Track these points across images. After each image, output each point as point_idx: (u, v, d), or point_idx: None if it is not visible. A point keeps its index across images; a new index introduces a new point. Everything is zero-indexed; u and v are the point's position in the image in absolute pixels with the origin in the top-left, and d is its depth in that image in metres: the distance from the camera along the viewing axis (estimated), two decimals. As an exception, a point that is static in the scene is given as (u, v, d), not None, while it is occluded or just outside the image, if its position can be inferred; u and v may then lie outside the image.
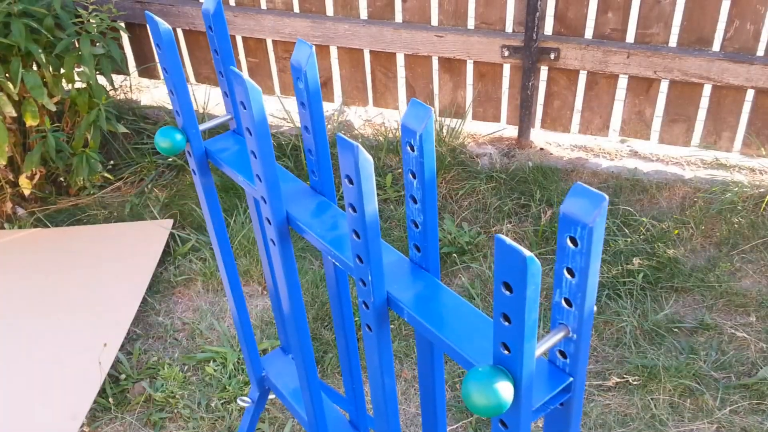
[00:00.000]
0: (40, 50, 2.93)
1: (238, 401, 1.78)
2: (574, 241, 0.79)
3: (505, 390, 0.79)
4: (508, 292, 0.75)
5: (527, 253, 0.71)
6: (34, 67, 3.08)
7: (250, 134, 1.11)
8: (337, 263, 1.13)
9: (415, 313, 1.00)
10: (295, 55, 1.15)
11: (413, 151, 0.97)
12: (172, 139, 1.34)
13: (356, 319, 2.49)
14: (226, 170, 1.36)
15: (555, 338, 0.86)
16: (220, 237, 1.48)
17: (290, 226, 1.23)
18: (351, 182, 0.92)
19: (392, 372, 1.12)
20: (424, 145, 0.95)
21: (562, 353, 0.90)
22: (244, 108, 1.08)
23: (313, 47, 1.17)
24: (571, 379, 0.90)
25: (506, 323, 0.78)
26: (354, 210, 0.95)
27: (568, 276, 0.82)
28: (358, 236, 0.97)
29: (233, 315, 1.64)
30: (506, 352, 0.80)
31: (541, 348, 0.84)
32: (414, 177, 0.99)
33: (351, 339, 1.40)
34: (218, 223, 1.48)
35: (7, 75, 2.91)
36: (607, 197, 0.76)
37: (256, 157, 1.13)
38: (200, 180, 1.43)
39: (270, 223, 1.21)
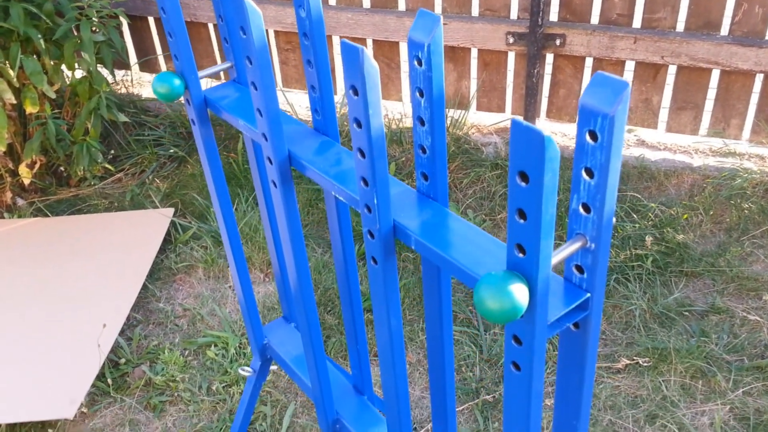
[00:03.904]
0: (39, 36, 2.89)
1: (240, 371, 1.73)
2: (593, 135, 0.74)
3: (519, 293, 0.74)
4: (524, 183, 0.70)
5: (546, 132, 0.66)
6: (34, 56, 3.04)
7: (251, 63, 1.07)
8: (339, 197, 1.08)
9: (422, 238, 0.95)
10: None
11: (420, 65, 0.92)
12: (170, 84, 1.30)
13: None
14: (225, 117, 1.32)
15: (572, 248, 0.81)
16: (219, 188, 1.44)
17: (292, 166, 1.18)
18: (356, 93, 0.88)
19: (399, 312, 1.08)
20: (432, 58, 0.91)
21: (579, 268, 0.85)
22: (244, 33, 1.04)
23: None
24: (588, 294, 0.85)
25: (522, 221, 0.73)
26: (359, 125, 0.91)
27: (587, 177, 0.77)
28: (363, 155, 0.93)
29: (233, 276, 1.59)
30: (521, 254, 0.75)
31: (557, 257, 0.80)
32: (421, 95, 0.95)
33: (354, 288, 1.35)
34: (218, 174, 1.43)
35: (7, 62, 2.87)
36: (629, 82, 0.71)
37: (256, 88, 1.09)
38: (200, 130, 1.38)
39: (271, 163, 1.17)
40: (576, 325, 0.89)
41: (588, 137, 0.75)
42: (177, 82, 1.30)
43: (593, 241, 0.81)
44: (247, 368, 1.72)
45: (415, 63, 0.93)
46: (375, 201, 0.95)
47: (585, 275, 0.84)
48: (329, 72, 1.16)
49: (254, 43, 1.04)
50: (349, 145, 3.20)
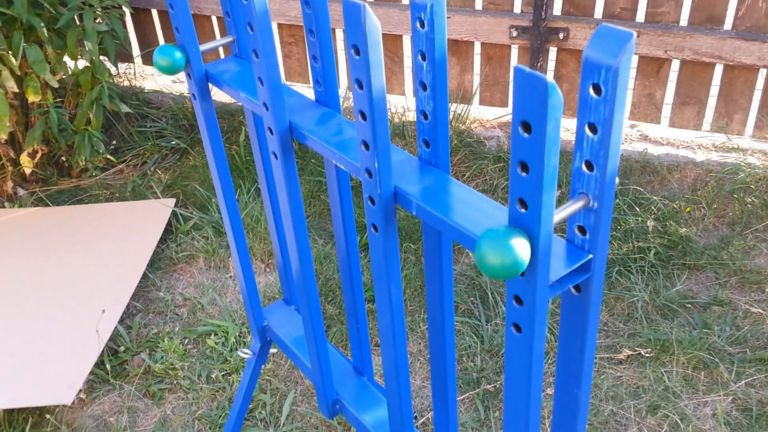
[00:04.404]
0: (42, 24, 2.89)
1: (239, 353, 1.72)
2: (596, 88, 0.73)
3: (521, 248, 0.73)
4: (526, 134, 0.70)
5: (549, 79, 0.65)
6: (37, 45, 3.04)
7: (251, 30, 1.06)
8: (340, 165, 1.07)
9: (423, 203, 0.94)
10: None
11: (423, 27, 0.91)
12: (171, 56, 1.29)
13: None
14: (226, 90, 1.31)
15: (574, 206, 0.80)
16: (219, 163, 1.43)
17: (293, 137, 1.17)
18: (357, 52, 0.87)
19: (399, 281, 1.07)
20: (435, 19, 0.90)
21: (581, 229, 0.84)
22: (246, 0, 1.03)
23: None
24: (591, 255, 0.84)
25: (524, 174, 0.72)
26: (360, 86, 0.90)
27: (590, 133, 0.77)
28: (364, 117, 0.92)
29: (233, 254, 1.58)
30: (523, 209, 0.74)
31: (559, 214, 0.79)
32: (423, 59, 0.94)
33: (354, 262, 1.34)
34: (218, 149, 1.42)
35: (9, 51, 2.87)
36: (634, 33, 0.70)
37: (258, 56, 1.08)
38: (201, 105, 1.38)
39: (272, 133, 1.16)
40: (578, 288, 0.88)
41: (591, 91, 0.74)
42: (178, 55, 1.29)
43: (596, 199, 0.80)
44: (246, 350, 1.71)
45: (418, 25, 0.92)
46: (376, 165, 0.94)
47: (587, 236, 0.83)
48: (331, 41, 1.15)
49: (256, 9, 1.03)
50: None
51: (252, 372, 1.72)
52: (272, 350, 1.77)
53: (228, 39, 1.37)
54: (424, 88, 0.96)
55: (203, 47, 1.33)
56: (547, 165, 0.70)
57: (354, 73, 0.90)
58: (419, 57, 0.94)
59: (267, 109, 1.14)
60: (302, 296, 1.33)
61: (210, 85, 1.38)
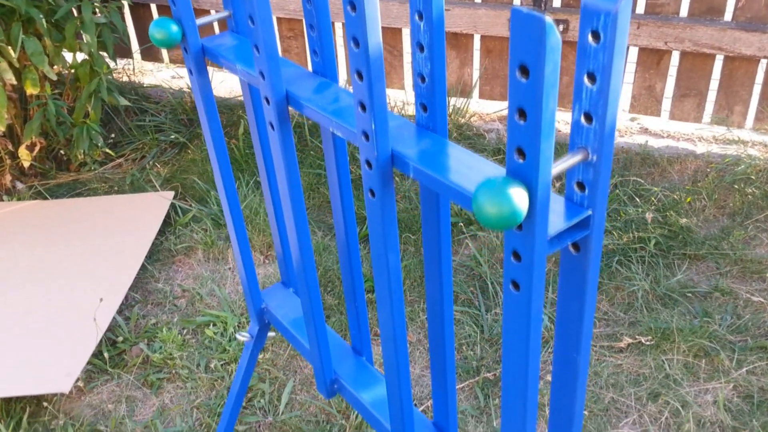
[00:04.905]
0: (41, 15, 2.88)
1: (237, 336, 1.71)
2: (595, 35, 0.72)
3: (519, 197, 0.72)
4: (524, 78, 0.69)
5: (548, 19, 0.64)
6: (35, 37, 3.03)
7: (248, -5, 1.05)
8: (337, 132, 1.06)
9: (420, 165, 0.93)
10: None
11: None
12: (167, 29, 1.28)
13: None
14: (223, 63, 1.30)
15: (573, 159, 0.79)
16: (215, 134, 1.42)
17: (290, 106, 1.16)
18: (354, 8, 0.86)
19: (397, 248, 1.06)
20: (431, -25, 0.89)
21: (580, 185, 0.83)
22: (242, -37, 1.02)
23: None
24: (590, 212, 0.83)
25: (521, 121, 0.71)
26: (357, 44, 0.89)
27: (589, 83, 0.76)
28: (360, 77, 0.91)
29: (231, 234, 1.57)
30: (521, 159, 0.73)
31: (558, 167, 0.78)
32: (420, 18, 0.93)
33: (351, 229, 1.33)
34: (215, 125, 1.41)
35: (8, 43, 2.86)
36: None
37: (254, 22, 1.07)
38: (197, 80, 1.37)
39: (269, 103, 1.15)
40: (576, 247, 0.87)
41: (590, 38, 0.73)
42: (174, 28, 1.29)
43: (595, 152, 0.79)
44: (244, 333, 1.70)
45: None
46: (373, 126, 0.93)
47: (586, 192, 0.82)
48: (328, 9, 1.14)
49: (252, -26, 1.02)
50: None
51: (250, 355, 1.71)
52: (270, 333, 1.76)
53: (224, 13, 1.36)
54: (421, 49, 0.95)
55: (200, 21, 1.33)
56: (545, 110, 0.69)
57: (350, 31, 0.89)
58: (416, 16, 0.93)
59: (263, 77, 1.13)
60: (300, 273, 1.32)
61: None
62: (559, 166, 0.78)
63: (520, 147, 0.72)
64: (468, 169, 0.91)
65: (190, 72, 1.37)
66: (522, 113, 0.71)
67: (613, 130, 0.78)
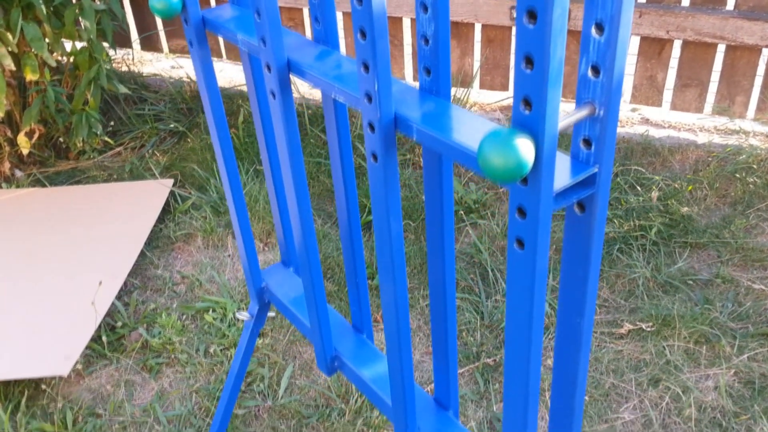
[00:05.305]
0: (40, 1, 2.87)
1: (237, 315, 1.70)
2: (603, -17, 0.71)
3: (525, 148, 0.71)
4: (531, 24, 0.68)
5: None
6: (35, 23, 3.02)
7: (250, -41, 1.04)
8: (339, 98, 1.05)
9: (424, 127, 0.92)
10: None
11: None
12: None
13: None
14: (223, 34, 1.29)
15: (579, 114, 0.78)
16: (216, 111, 1.41)
17: (291, 73, 1.15)
18: (357, -36, 0.85)
19: (399, 214, 1.05)
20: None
21: (587, 142, 0.82)
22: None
23: None
24: (596, 168, 0.82)
25: (528, 69, 0.70)
26: (360, 1, 0.88)
27: (596, 34, 0.75)
28: (363, 35, 0.90)
29: (230, 210, 1.56)
30: (527, 110, 0.72)
31: (565, 121, 0.77)
32: (425, -22, 0.92)
33: (351, 197, 1.32)
34: (215, 96, 1.40)
35: (7, 29, 2.85)
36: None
37: (255, -13, 1.06)
38: (198, 52, 1.36)
39: (270, 71, 1.14)
40: (581, 207, 0.86)
41: (598, -13, 0.72)
42: (175, -2, 1.27)
43: (602, 106, 0.78)
44: (244, 313, 1.69)
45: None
46: (376, 87, 0.92)
47: (593, 149, 0.81)
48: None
49: (254, -64, 1.01)
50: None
51: (250, 335, 1.70)
52: (270, 314, 1.75)
53: (226, -15, 1.34)
54: (425, 9, 0.94)
55: (201, -8, 1.31)
56: (553, 57, 0.68)
57: (354, -13, 0.88)
58: (420, -23, 0.92)
59: (265, 44, 1.12)
60: (301, 244, 1.31)
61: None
62: (566, 120, 0.77)
63: (527, 96, 0.71)
64: (472, 129, 0.90)
65: (191, 44, 1.36)
66: (529, 61, 0.70)
67: (620, 84, 0.77)
